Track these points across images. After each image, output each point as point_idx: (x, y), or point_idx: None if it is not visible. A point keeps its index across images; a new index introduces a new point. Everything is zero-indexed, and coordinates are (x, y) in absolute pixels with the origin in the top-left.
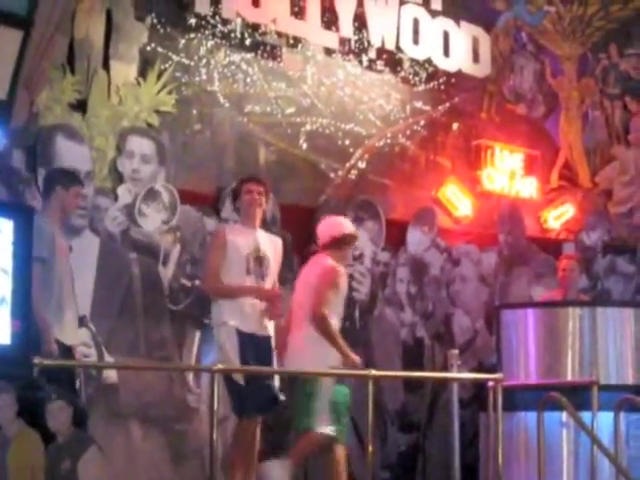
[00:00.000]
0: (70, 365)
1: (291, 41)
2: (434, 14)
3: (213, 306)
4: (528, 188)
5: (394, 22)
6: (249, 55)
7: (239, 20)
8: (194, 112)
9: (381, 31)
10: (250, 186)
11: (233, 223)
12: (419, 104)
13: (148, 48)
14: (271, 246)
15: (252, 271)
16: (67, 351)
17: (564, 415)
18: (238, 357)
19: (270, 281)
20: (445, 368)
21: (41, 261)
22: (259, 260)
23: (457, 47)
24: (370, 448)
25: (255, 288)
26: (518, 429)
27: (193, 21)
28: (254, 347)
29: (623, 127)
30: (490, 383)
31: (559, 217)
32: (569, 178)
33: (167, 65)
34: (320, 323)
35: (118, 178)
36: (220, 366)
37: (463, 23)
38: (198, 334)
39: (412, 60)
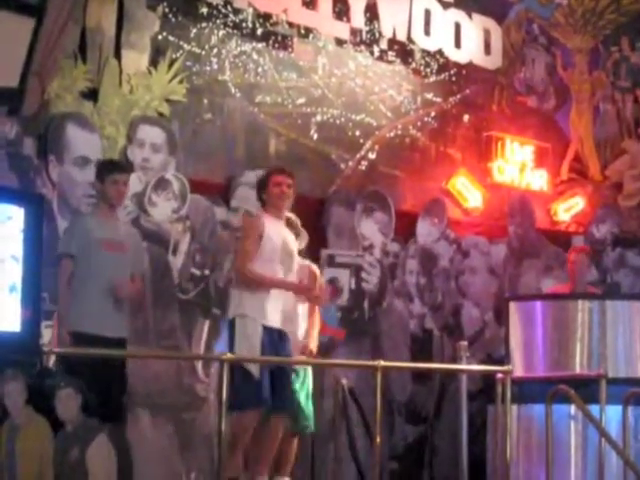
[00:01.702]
0: (78, 353)
1: (302, 31)
2: (446, 5)
3: (234, 297)
4: (538, 180)
5: (406, 13)
6: (260, 45)
7: (250, 10)
8: (205, 101)
9: (392, 22)
10: (279, 178)
11: (263, 213)
12: (430, 95)
13: (159, 37)
14: (293, 240)
15: (283, 262)
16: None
17: (572, 408)
18: (259, 352)
19: (294, 275)
20: (454, 360)
21: (69, 257)
22: (287, 252)
23: (468, 39)
24: (378, 439)
25: (292, 285)
26: (526, 422)
27: (205, 10)
28: (278, 344)
29: (634, 120)
30: (499, 375)
31: (569, 210)
32: (579, 171)
33: (178, 54)
34: None
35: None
36: (229, 355)
37: (475, 15)
38: (207, 323)
39: (423, 51)
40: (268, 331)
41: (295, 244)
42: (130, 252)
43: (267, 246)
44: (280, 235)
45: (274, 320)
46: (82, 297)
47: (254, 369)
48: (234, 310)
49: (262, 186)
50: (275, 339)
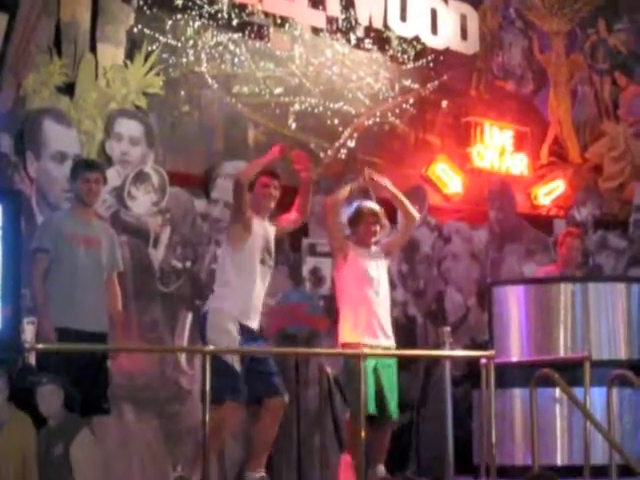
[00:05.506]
0: (62, 349)
1: (278, 21)
2: None
3: (216, 291)
4: (518, 165)
5: (381, 0)
6: (236, 35)
7: (226, 0)
8: (182, 93)
9: (368, 9)
10: (267, 180)
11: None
12: (408, 82)
13: (135, 30)
14: (273, 236)
15: (265, 261)
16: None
17: (557, 391)
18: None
19: (270, 271)
20: (437, 346)
21: (43, 251)
22: (268, 251)
23: (445, 24)
24: (363, 427)
25: (262, 157)
26: (511, 406)
27: (180, 2)
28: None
29: (612, 102)
30: (482, 360)
31: (549, 193)
32: (559, 154)
33: (154, 47)
34: None
35: (107, 161)
36: (211, 347)
37: (450, 0)
38: (190, 316)
39: (400, 38)
40: (245, 329)
41: (273, 240)
42: (105, 248)
43: (251, 245)
44: (263, 236)
45: (250, 320)
46: (60, 292)
47: (236, 363)
48: (212, 303)
49: (249, 186)
50: (250, 337)
